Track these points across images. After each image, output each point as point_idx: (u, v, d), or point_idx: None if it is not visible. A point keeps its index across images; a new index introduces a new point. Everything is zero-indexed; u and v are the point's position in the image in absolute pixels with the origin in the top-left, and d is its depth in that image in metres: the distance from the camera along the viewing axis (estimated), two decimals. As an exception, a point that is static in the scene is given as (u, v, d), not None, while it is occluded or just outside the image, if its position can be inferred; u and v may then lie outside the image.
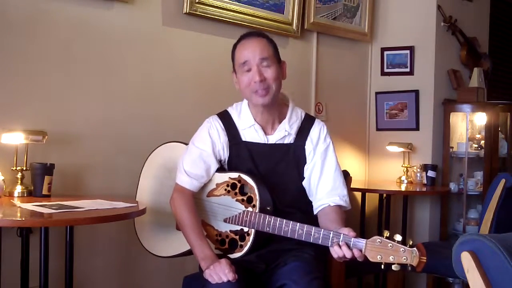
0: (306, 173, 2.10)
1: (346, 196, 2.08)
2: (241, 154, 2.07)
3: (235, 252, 1.98)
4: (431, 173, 3.74)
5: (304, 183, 2.11)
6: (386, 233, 1.73)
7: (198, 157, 2.06)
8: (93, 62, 2.65)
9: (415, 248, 1.69)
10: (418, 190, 3.68)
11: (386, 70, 4.06)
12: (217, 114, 2.15)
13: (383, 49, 4.06)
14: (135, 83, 2.80)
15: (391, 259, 1.70)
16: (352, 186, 2.76)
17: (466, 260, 1.37)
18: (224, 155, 2.10)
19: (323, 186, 2.07)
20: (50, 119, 2.50)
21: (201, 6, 3.00)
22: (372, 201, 3.76)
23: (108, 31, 2.69)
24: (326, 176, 2.08)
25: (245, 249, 1.96)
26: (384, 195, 3.61)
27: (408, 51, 3.96)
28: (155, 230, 2.22)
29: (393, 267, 1.71)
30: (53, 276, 2.13)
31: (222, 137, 2.10)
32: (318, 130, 2.13)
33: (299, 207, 2.05)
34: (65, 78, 2.56)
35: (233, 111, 2.15)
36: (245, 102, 2.13)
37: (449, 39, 4.05)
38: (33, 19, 2.45)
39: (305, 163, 2.10)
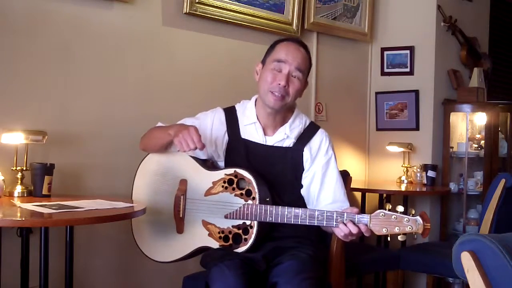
0: (304, 182, 2.11)
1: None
2: (238, 151, 2.10)
3: (240, 247, 1.98)
4: (431, 173, 3.74)
5: (303, 192, 2.12)
6: (388, 206, 1.79)
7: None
8: (93, 62, 2.65)
9: (418, 217, 1.75)
10: (418, 190, 3.68)
11: (386, 70, 4.06)
12: (224, 108, 2.20)
13: (383, 49, 4.06)
14: (135, 83, 2.80)
15: (396, 230, 1.75)
16: (352, 186, 2.76)
17: (466, 260, 1.37)
18: (220, 147, 2.13)
19: (323, 199, 2.09)
20: (50, 119, 2.50)
21: (201, 6, 3.00)
22: (372, 201, 3.76)
23: (108, 31, 2.69)
24: (327, 188, 2.09)
25: (250, 242, 1.96)
26: (384, 195, 3.61)
27: (408, 51, 3.96)
28: (155, 235, 2.20)
29: (399, 238, 1.77)
30: (53, 276, 2.13)
31: (219, 129, 2.13)
32: (319, 140, 2.14)
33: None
34: (65, 78, 2.56)
35: (239, 107, 2.19)
36: (252, 100, 2.16)
37: (449, 39, 4.05)
38: (33, 19, 2.45)
39: (302, 168, 2.11)
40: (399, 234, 1.75)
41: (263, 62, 2.12)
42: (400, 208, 1.76)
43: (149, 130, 2.27)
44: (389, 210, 1.77)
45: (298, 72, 2.04)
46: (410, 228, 1.73)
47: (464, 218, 3.90)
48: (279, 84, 2.01)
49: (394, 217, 1.75)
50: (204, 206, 2.07)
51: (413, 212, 1.76)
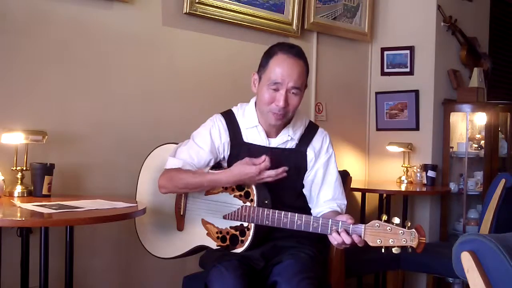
0: (306, 181, 2.12)
1: (344, 205, 2.11)
2: (241, 155, 2.07)
3: (236, 248, 1.99)
4: (431, 173, 3.74)
5: (305, 190, 2.12)
6: (384, 217, 1.74)
7: (195, 152, 2.09)
8: (93, 62, 2.65)
9: (413, 230, 1.71)
10: (418, 190, 3.68)
11: (386, 70, 4.06)
12: (221, 113, 2.17)
13: (383, 49, 4.05)
14: (135, 83, 2.80)
15: (390, 242, 1.72)
16: (352, 186, 2.76)
17: (466, 260, 1.38)
18: (224, 153, 2.11)
19: (323, 196, 2.09)
20: (50, 119, 2.50)
21: (201, 6, 3.00)
22: (372, 201, 3.76)
23: (107, 31, 2.69)
24: (327, 186, 2.10)
25: (246, 243, 1.97)
26: (384, 195, 3.61)
27: (408, 51, 3.96)
28: (156, 232, 2.22)
29: (394, 250, 1.72)
30: (53, 276, 2.13)
31: (224, 136, 2.11)
32: (320, 139, 2.15)
33: (297, 211, 2.05)
34: (65, 78, 2.56)
35: (237, 111, 2.16)
36: (251, 103, 2.14)
37: (449, 39, 4.05)
38: (33, 19, 2.45)
39: (306, 169, 2.11)
40: (393, 247, 1.71)
41: (259, 75, 2.05)
42: (396, 220, 1.73)
43: (173, 174, 2.05)
44: (385, 221, 1.73)
45: (295, 89, 1.99)
46: (404, 241, 1.69)
47: (464, 218, 3.90)
48: (277, 105, 1.97)
49: (389, 229, 1.71)
50: (204, 205, 2.08)
51: (409, 224, 1.72)
